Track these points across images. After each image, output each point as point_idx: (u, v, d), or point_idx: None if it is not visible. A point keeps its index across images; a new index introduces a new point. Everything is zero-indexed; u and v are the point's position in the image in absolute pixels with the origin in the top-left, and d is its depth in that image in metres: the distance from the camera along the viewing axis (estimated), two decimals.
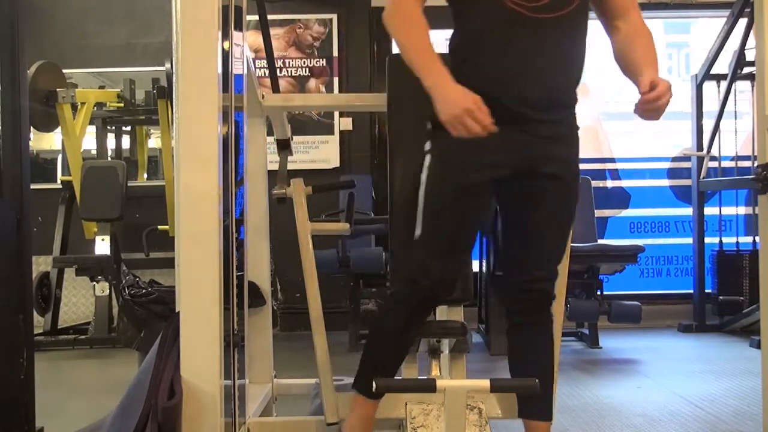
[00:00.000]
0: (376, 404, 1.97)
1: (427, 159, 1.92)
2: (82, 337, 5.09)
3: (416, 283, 1.87)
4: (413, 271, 1.88)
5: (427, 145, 1.93)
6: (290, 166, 2.96)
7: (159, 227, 5.23)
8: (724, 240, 5.48)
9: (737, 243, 5.48)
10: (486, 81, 1.78)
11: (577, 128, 1.94)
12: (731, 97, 5.29)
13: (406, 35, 1.83)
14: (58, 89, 5.06)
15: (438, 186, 1.87)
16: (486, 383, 1.57)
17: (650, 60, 1.86)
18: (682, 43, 6.12)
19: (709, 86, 5.53)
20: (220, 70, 1.77)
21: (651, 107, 1.77)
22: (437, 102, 1.71)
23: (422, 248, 1.88)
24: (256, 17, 2.81)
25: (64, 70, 5.33)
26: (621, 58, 1.92)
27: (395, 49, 2.02)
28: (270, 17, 3.05)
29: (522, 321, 1.95)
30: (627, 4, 1.94)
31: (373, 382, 1.61)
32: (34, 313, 4.50)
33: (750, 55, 5.01)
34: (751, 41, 4.88)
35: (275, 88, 2.97)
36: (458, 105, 1.66)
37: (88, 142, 5.78)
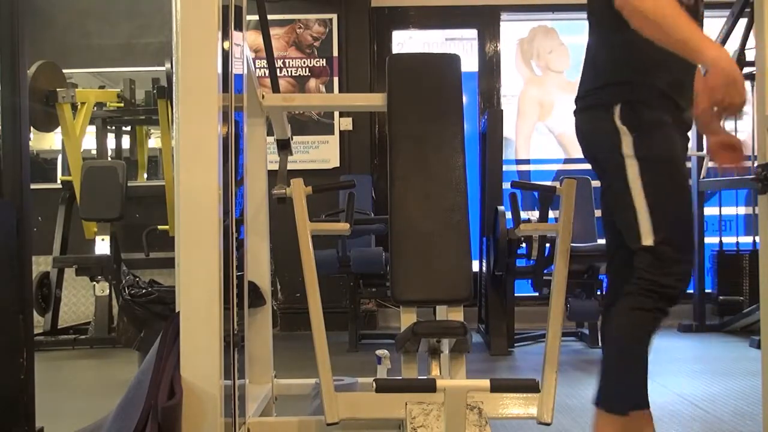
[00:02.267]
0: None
1: (637, 164, 1.94)
2: (82, 337, 5.10)
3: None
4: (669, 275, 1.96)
5: (628, 149, 1.95)
6: (290, 166, 2.96)
7: (159, 227, 5.24)
8: (724, 240, 5.48)
9: (737, 243, 5.49)
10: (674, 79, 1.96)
11: None
12: None
13: (674, 17, 1.80)
14: (58, 89, 5.06)
15: (681, 187, 1.98)
16: (486, 383, 1.57)
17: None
18: None
19: None
20: (220, 70, 1.77)
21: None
22: (712, 63, 1.73)
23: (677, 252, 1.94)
24: (256, 17, 2.81)
25: (64, 70, 5.34)
26: None
27: (395, 49, 2.02)
28: (270, 17, 3.05)
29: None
30: None
31: (373, 383, 1.61)
32: (34, 313, 4.50)
33: (750, 55, 5.01)
34: (751, 41, 4.88)
35: (275, 88, 2.97)
36: (738, 75, 1.74)
37: (88, 142, 5.78)
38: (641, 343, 1.94)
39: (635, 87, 1.96)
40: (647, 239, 1.90)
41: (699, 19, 1.97)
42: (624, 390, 1.87)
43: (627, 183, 1.93)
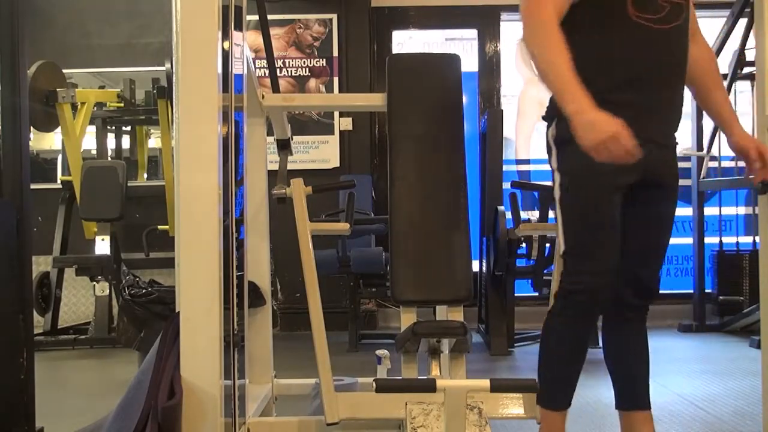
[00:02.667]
0: (564, 415, 2.07)
1: (559, 177, 2.00)
2: (82, 337, 5.09)
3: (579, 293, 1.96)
4: (573, 284, 1.98)
5: (554, 164, 2.02)
6: (290, 166, 2.96)
7: (159, 227, 5.24)
8: (724, 240, 5.48)
9: (737, 243, 5.49)
10: (625, 91, 1.90)
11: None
12: (731, 97, 5.29)
13: (547, 55, 1.80)
14: (58, 89, 5.06)
15: (586, 199, 1.96)
16: (486, 383, 1.57)
17: (730, 107, 2.08)
18: None
19: None
20: (220, 70, 1.77)
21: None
22: (580, 128, 1.70)
23: (582, 259, 1.97)
24: (256, 17, 2.81)
25: (64, 70, 5.34)
26: (693, 84, 2.09)
27: (395, 49, 2.02)
28: (270, 17, 3.05)
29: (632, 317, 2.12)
30: (695, 25, 2.07)
31: (373, 383, 1.61)
32: (34, 313, 4.50)
33: (750, 55, 5.01)
34: (751, 41, 4.88)
35: (275, 88, 2.97)
36: (604, 131, 1.66)
37: (88, 142, 5.78)
38: (551, 345, 2.06)
39: None
40: (561, 248, 2.00)
41: (682, 22, 1.94)
42: (542, 387, 1.91)
43: (554, 195, 2.03)
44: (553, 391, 2.04)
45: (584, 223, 1.97)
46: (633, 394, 2.12)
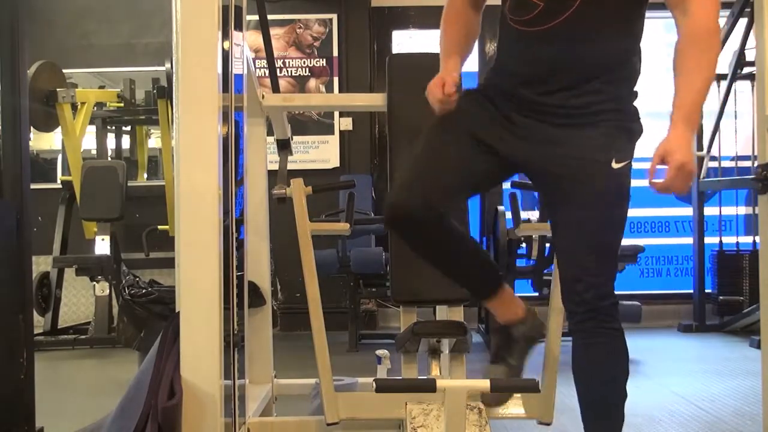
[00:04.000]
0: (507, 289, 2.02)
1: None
2: (82, 337, 5.09)
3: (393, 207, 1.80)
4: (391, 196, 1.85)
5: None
6: (290, 166, 2.96)
7: (159, 227, 5.24)
8: (724, 240, 5.48)
9: (737, 243, 5.48)
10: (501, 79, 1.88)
11: (623, 123, 1.81)
12: (731, 97, 5.29)
13: (441, 32, 1.98)
14: (58, 89, 5.06)
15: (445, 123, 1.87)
16: (486, 383, 1.57)
17: (686, 98, 1.64)
18: None
19: None
20: (220, 70, 1.77)
21: (658, 187, 1.62)
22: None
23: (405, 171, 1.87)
24: (256, 17, 2.81)
25: (64, 70, 5.34)
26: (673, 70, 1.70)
27: (395, 49, 2.03)
28: (270, 17, 3.05)
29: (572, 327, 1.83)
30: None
31: (373, 382, 1.61)
32: (34, 313, 4.50)
33: (750, 55, 5.01)
34: (751, 41, 4.88)
35: (275, 88, 2.97)
36: (429, 84, 1.84)
37: (88, 142, 5.78)
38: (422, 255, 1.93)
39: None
40: None
41: (570, 17, 1.71)
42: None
43: None
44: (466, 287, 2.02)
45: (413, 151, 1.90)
46: (584, 416, 1.80)
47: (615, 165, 1.79)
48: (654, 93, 6.28)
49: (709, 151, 5.40)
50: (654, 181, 1.61)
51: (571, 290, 1.75)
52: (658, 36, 6.11)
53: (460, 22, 1.98)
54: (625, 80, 1.82)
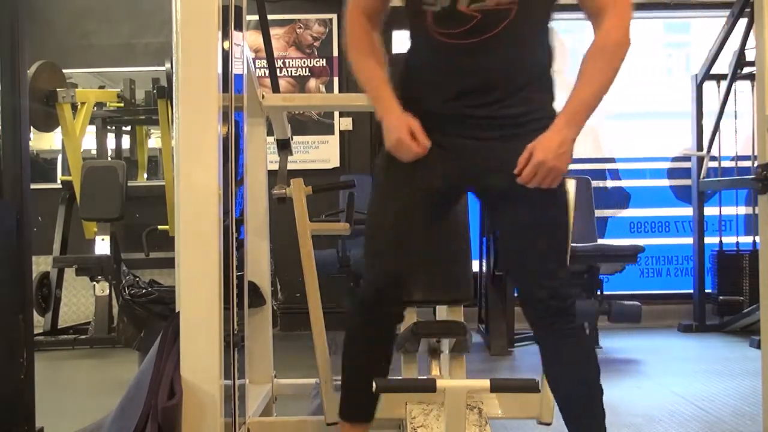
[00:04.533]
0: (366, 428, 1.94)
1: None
2: (82, 337, 5.09)
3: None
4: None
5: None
6: (290, 166, 2.96)
7: (159, 227, 5.23)
8: (724, 240, 5.48)
9: (737, 243, 5.48)
10: (421, 95, 1.80)
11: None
12: (731, 97, 5.29)
13: (357, 64, 1.85)
14: (58, 89, 5.06)
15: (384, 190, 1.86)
16: (486, 383, 1.57)
17: (575, 101, 1.69)
18: (682, 43, 6.12)
19: (709, 86, 5.53)
20: (220, 70, 1.77)
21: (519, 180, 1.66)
22: (384, 129, 1.75)
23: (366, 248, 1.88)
24: (256, 17, 2.81)
25: (64, 70, 5.34)
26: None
27: (395, 49, 2.02)
28: (270, 17, 3.05)
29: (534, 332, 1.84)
30: (601, 7, 1.69)
31: (373, 382, 1.61)
32: (34, 313, 4.50)
33: (750, 55, 5.01)
34: (751, 41, 4.88)
35: (275, 88, 2.97)
36: (394, 135, 1.71)
37: (88, 142, 5.78)
38: (346, 351, 1.91)
39: None
40: None
41: (507, 26, 1.68)
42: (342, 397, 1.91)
43: None
44: (349, 402, 1.93)
45: (367, 227, 1.89)
46: (569, 417, 1.81)
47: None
48: (653, 93, 6.29)
49: (709, 151, 5.40)
50: (517, 173, 1.66)
51: (534, 298, 1.77)
52: (658, 36, 6.12)
53: (374, 47, 1.83)
54: (549, 89, 1.82)
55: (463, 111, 1.74)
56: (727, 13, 5.21)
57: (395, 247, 1.81)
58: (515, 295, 1.90)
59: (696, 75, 5.57)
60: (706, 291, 5.43)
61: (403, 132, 1.71)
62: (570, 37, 6.03)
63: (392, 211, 1.81)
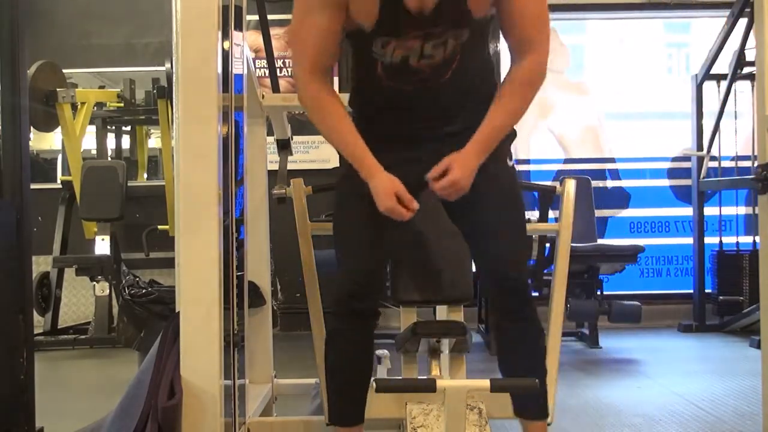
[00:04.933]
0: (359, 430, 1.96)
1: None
2: (82, 337, 5.10)
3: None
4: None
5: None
6: (290, 166, 2.96)
7: (159, 227, 5.24)
8: (724, 240, 5.48)
9: (737, 243, 5.49)
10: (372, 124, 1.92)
11: None
12: (731, 97, 5.29)
13: (325, 128, 1.92)
14: (58, 89, 5.06)
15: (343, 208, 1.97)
16: (486, 383, 1.57)
17: (485, 130, 1.78)
18: (682, 43, 6.12)
19: (709, 86, 5.53)
20: (220, 70, 1.77)
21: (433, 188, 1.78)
22: (372, 191, 1.79)
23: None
24: (256, 17, 2.82)
25: (64, 70, 5.34)
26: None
27: None
28: (270, 17, 3.06)
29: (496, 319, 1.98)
30: (524, 47, 1.78)
31: (373, 382, 1.61)
32: (34, 313, 4.50)
33: (750, 55, 5.01)
34: (751, 41, 4.88)
35: (275, 88, 2.97)
36: (385, 203, 1.77)
37: (88, 142, 5.78)
38: (327, 356, 1.93)
39: None
40: None
41: (455, 71, 1.80)
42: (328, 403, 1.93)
43: None
44: (338, 407, 1.95)
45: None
46: (521, 401, 1.93)
47: (509, 163, 1.95)
48: (653, 93, 6.29)
49: (709, 151, 5.40)
50: (432, 182, 1.77)
51: (501, 277, 1.88)
52: (658, 36, 6.13)
53: (335, 103, 1.90)
54: (490, 98, 1.85)
55: (411, 132, 1.87)
56: (727, 13, 5.21)
57: (366, 246, 1.89)
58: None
59: (696, 75, 5.57)
60: (706, 291, 5.43)
61: (392, 201, 1.76)
62: (570, 38, 6.04)
63: (356, 217, 1.90)
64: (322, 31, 1.82)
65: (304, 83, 1.87)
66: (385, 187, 1.77)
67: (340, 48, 1.91)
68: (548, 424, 2.14)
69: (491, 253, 1.89)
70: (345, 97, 2.02)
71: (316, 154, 5.72)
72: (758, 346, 2.95)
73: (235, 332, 1.88)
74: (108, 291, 5.11)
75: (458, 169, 1.74)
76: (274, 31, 5.59)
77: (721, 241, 5.48)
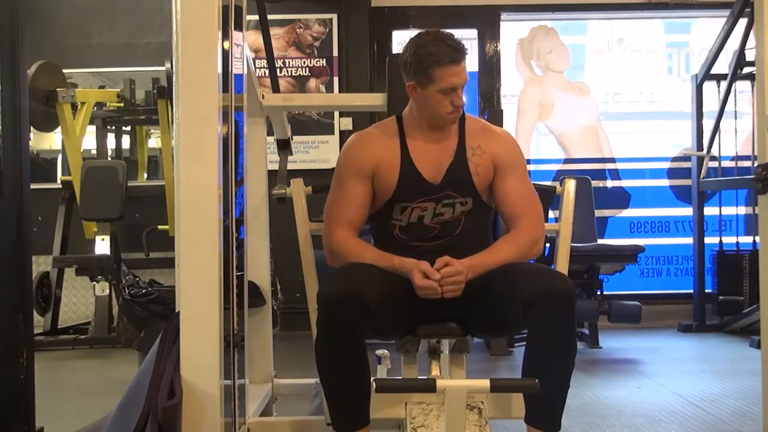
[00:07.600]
0: None
1: None
2: (82, 337, 5.09)
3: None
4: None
5: None
6: (290, 166, 2.96)
7: (159, 227, 5.24)
8: (724, 240, 5.48)
9: (737, 243, 5.49)
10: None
11: None
12: (731, 97, 5.29)
13: (363, 258, 2.09)
14: (58, 89, 5.06)
15: None
16: (486, 383, 1.57)
17: (481, 260, 2.07)
18: (682, 43, 6.13)
19: (709, 86, 5.53)
20: (220, 70, 1.77)
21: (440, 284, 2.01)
22: (410, 277, 2.02)
23: None
24: (256, 17, 2.81)
25: (64, 70, 5.33)
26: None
27: (395, 49, 2.02)
28: (270, 17, 3.05)
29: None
30: (517, 220, 2.17)
31: (373, 382, 1.61)
32: (34, 313, 4.50)
33: (750, 55, 5.01)
34: (751, 41, 4.88)
35: (275, 88, 2.97)
36: (418, 285, 1.99)
37: (88, 142, 5.78)
38: (319, 364, 1.95)
39: None
40: None
41: (458, 232, 2.16)
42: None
43: None
44: (338, 414, 1.97)
45: None
46: (532, 407, 1.98)
47: None
48: (653, 93, 6.29)
49: (709, 151, 5.40)
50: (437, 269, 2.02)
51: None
52: (658, 36, 6.13)
53: (359, 242, 2.15)
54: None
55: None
56: (727, 13, 5.21)
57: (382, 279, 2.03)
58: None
59: (696, 75, 5.57)
60: (706, 291, 5.43)
61: (423, 281, 1.99)
62: (570, 38, 6.04)
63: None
64: (355, 197, 2.16)
65: (332, 229, 2.16)
66: (415, 270, 2.00)
67: (367, 212, 2.20)
68: None
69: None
70: (345, 98, 2.01)
71: (316, 154, 5.72)
72: (758, 346, 2.96)
73: (235, 332, 1.88)
74: (108, 291, 5.10)
75: (459, 264, 2.00)
76: (274, 31, 5.61)
77: (721, 241, 5.48)
